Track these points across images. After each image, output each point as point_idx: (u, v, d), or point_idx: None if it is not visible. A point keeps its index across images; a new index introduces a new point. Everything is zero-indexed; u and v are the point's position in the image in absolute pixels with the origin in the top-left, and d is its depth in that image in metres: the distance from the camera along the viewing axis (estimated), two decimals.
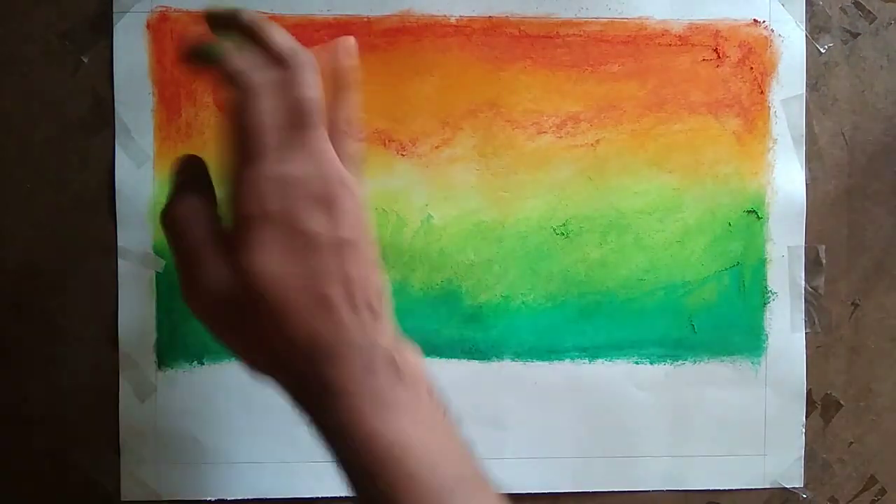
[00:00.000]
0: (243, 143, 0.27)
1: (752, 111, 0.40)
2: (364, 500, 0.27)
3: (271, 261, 0.27)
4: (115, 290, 0.39)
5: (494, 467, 0.40)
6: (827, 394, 0.41)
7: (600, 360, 0.40)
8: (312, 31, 0.39)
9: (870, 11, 0.41)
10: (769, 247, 0.40)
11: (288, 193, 0.27)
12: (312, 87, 0.28)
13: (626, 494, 0.40)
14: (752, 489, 0.41)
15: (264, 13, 0.39)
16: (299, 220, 0.27)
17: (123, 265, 0.39)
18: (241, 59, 0.27)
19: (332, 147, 0.28)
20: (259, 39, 0.28)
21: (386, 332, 0.28)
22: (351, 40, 0.31)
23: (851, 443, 0.41)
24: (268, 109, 0.27)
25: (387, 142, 0.39)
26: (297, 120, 0.27)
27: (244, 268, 0.27)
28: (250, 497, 0.39)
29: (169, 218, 0.27)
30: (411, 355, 0.29)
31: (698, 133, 0.40)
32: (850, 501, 0.42)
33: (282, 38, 0.28)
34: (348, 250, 0.28)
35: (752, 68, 0.40)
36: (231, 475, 0.39)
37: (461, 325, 0.40)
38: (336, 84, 0.30)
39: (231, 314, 0.27)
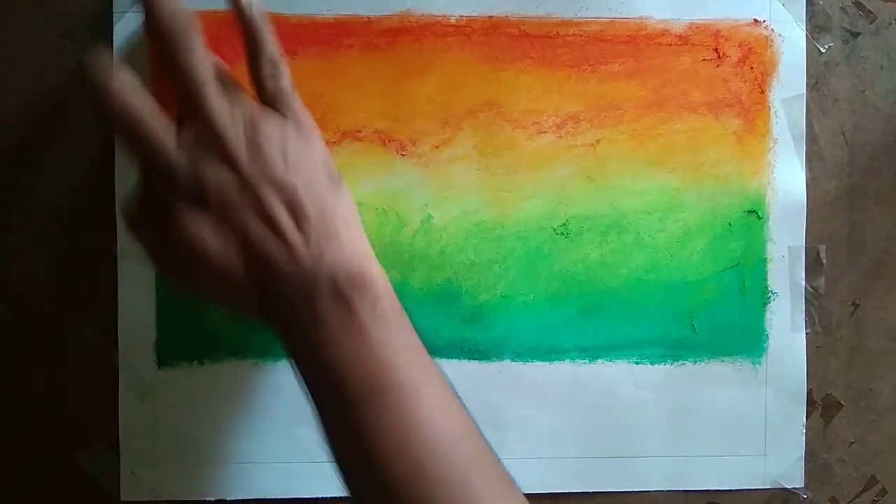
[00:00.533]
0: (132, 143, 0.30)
1: (752, 111, 0.40)
2: (318, 418, 0.30)
3: (186, 225, 0.29)
4: (114, 290, 0.39)
5: None
6: (827, 394, 0.41)
7: (600, 360, 0.40)
8: (312, 31, 0.39)
9: (870, 11, 0.41)
10: (769, 247, 0.40)
11: (189, 160, 0.29)
12: (188, 53, 0.30)
13: (626, 494, 0.40)
14: (752, 489, 0.41)
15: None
16: (203, 178, 0.29)
17: (123, 265, 0.39)
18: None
19: (220, 97, 0.30)
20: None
21: (329, 250, 0.30)
22: None
23: (852, 443, 0.41)
24: (139, 102, 0.29)
25: (386, 142, 0.39)
26: (185, 89, 0.30)
27: (168, 237, 0.30)
28: (250, 497, 0.39)
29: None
30: (363, 270, 0.30)
31: (698, 133, 0.40)
32: (851, 502, 0.42)
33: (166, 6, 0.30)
34: (261, 184, 0.30)
35: (752, 68, 0.40)
36: (231, 475, 0.39)
37: (461, 325, 0.40)
38: (243, 28, 0.32)
39: (191, 277, 0.31)
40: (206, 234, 0.29)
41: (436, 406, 0.30)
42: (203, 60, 0.30)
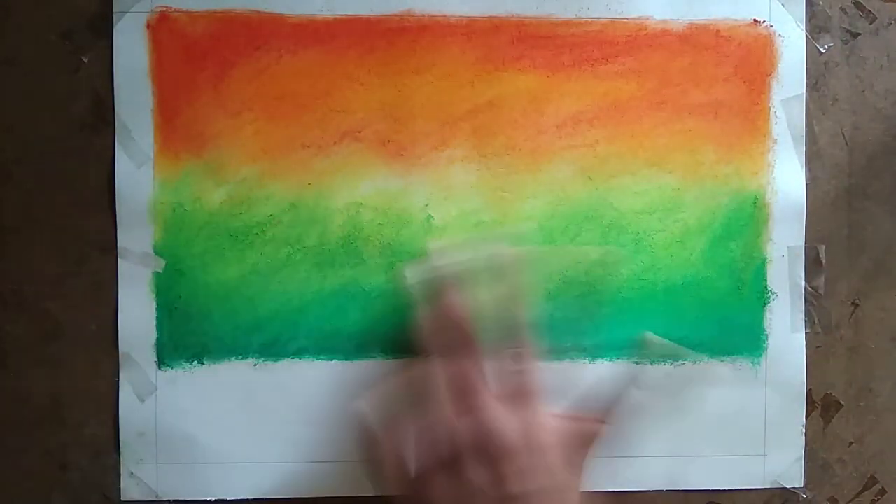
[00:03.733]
0: (424, 401, 0.33)
1: (752, 111, 0.40)
2: None
3: (438, 496, 0.32)
4: (115, 290, 0.39)
5: None
6: (827, 394, 0.41)
7: (600, 360, 0.40)
8: (312, 31, 0.39)
9: (870, 11, 0.41)
10: (769, 247, 0.40)
11: (457, 445, 0.32)
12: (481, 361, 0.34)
13: (626, 494, 0.40)
14: (752, 489, 0.41)
15: (263, 12, 0.39)
16: (464, 470, 0.32)
17: (123, 265, 0.39)
18: (434, 327, 0.34)
19: (500, 408, 0.33)
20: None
21: None
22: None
23: (851, 443, 0.41)
24: (444, 380, 0.33)
25: (386, 142, 0.39)
26: (468, 387, 0.33)
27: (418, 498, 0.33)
28: (250, 497, 0.39)
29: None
30: None
31: (698, 133, 0.40)
32: (850, 501, 0.42)
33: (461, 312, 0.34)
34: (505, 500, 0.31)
35: (752, 68, 0.40)
36: (231, 475, 0.39)
37: None
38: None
39: None
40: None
41: None
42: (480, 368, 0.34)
